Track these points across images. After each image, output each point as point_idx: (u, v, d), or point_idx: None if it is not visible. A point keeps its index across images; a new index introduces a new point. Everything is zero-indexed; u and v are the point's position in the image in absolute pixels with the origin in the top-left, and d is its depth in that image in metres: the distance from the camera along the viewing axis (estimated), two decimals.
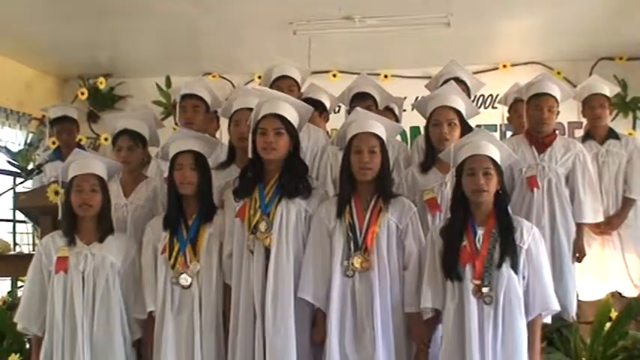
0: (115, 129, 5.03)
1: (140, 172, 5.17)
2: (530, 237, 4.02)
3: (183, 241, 4.47)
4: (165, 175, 4.89)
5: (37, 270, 4.53)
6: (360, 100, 5.53)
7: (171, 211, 4.52)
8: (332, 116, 6.39)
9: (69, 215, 4.51)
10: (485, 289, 3.93)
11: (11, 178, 8.84)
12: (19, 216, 8.48)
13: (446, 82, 5.40)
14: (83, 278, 4.42)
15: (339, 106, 6.96)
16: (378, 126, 4.36)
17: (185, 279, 4.41)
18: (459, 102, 4.73)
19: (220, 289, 4.49)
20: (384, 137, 4.35)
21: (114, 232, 4.60)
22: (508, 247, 3.96)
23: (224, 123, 5.39)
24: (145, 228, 4.64)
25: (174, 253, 4.47)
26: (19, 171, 7.99)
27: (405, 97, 6.65)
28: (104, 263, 4.45)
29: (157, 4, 7.24)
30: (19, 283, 7.30)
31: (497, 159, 4.10)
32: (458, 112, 4.68)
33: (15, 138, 9.12)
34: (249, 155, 4.40)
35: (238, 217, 4.38)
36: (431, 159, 4.78)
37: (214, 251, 4.49)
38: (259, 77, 8.53)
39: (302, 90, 5.73)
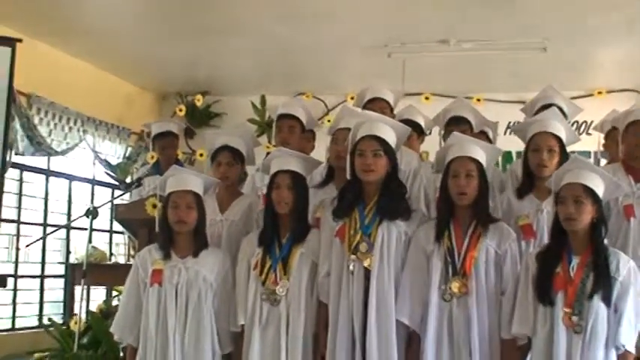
0: (215, 145, 5.04)
1: (236, 189, 5.17)
2: (626, 270, 3.90)
3: (275, 259, 4.45)
4: (263, 191, 4.90)
5: (133, 282, 4.56)
6: (456, 123, 5.45)
7: (267, 228, 4.51)
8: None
9: (165, 229, 4.53)
10: (574, 318, 3.84)
11: (109, 190, 9.12)
12: (116, 227, 8.82)
13: (543, 107, 5.29)
14: (176, 291, 4.43)
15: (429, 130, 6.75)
16: (477, 150, 4.30)
17: (274, 296, 4.39)
18: (561, 129, 4.60)
19: (309, 308, 4.44)
20: (483, 162, 4.28)
21: (208, 247, 4.59)
22: (601, 279, 3.85)
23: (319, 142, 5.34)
24: (242, 242, 4.65)
25: (265, 270, 4.44)
26: (117, 183, 8.21)
27: (498, 122, 6.44)
28: (197, 277, 4.45)
29: (254, 24, 7.30)
30: (114, 293, 7.46)
31: (595, 188, 3.97)
32: (558, 139, 4.56)
33: (114, 152, 9.25)
34: (348, 176, 4.36)
35: (337, 237, 4.35)
36: (528, 185, 4.65)
37: (305, 270, 4.46)
38: (352, 98, 8.46)
39: (395, 112, 5.66)
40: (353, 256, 4.28)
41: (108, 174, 8.59)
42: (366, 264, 4.26)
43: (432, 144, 6.06)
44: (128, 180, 8.44)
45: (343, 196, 4.41)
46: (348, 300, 4.28)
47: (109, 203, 7.28)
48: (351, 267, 4.28)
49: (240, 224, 4.97)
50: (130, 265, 4.79)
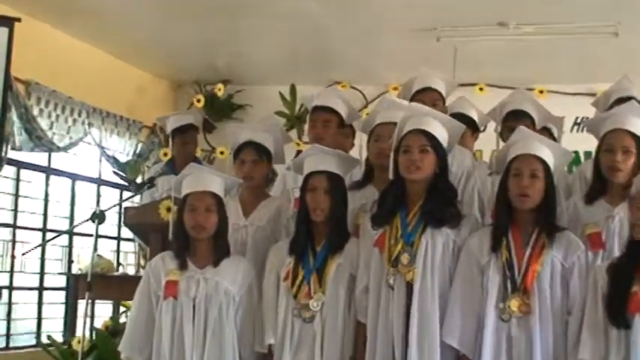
0: (238, 140, 5.07)
1: (263, 190, 5.18)
2: None
3: (309, 269, 4.48)
4: (296, 195, 4.96)
5: (144, 294, 4.59)
6: (516, 118, 5.43)
7: (299, 234, 4.54)
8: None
9: (181, 236, 4.56)
10: None
11: (118, 191, 9.21)
12: (125, 233, 8.87)
13: (618, 100, 5.23)
14: (194, 305, 4.45)
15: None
16: (545, 149, 4.28)
17: (307, 311, 4.42)
18: (639, 126, 4.51)
19: (347, 326, 4.46)
20: (550, 163, 4.26)
21: (230, 256, 4.61)
22: None
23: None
24: (269, 252, 4.68)
25: (297, 282, 4.47)
26: (126, 184, 8.29)
27: (564, 117, 6.39)
28: (218, 289, 4.47)
29: (282, 3, 7.32)
30: (122, 308, 7.54)
31: None
32: (636, 138, 4.48)
33: (123, 148, 9.31)
34: (391, 176, 4.39)
35: (376, 247, 4.36)
36: (598, 189, 4.60)
37: (342, 283, 4.47)
38: (395, 89, 8.48)
39: (447, 104, 5.64)
40: (393, 269, 4.29)
41: (116, 173, 8.62)
42: (408, 278, 4.27)
43: (486, 141, 6.08)
44: (139, 180, 8.43)
45: (384, 200, 4.43)
46: (387, 319, 4.28)
47: (117, 206, 7.34)
48: (390, 281, 4.30)
49: (266, 230, 5.00)
50: (141, 276, 4.82)
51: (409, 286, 4.24)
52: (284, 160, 5.27)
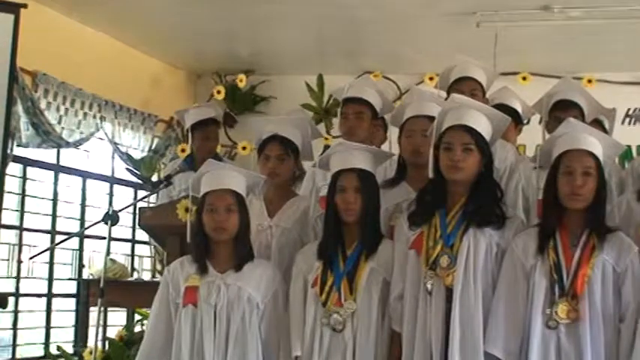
0: (262, 135, 5.08)
1: (289, 189, 5.18)
2: None
3: (339, 274, 4.46)
4: (322, 193, 4.97)
5: (162, 302, 4.62)
6: (563, 109, 5.35)
7: (328, 237, 4.53)
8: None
9: (200, 238, 4.58)
10: None
11: (132, 190, 9.20)
12: (139, 235, 8.93)
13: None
14: (215, 313, 4.46)
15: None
16: (596, 143, 4.26)
17: (337, 320, 4.40)
18: None
19: (380, 336, 4.45)
20: (601, 158, 4.24)
21: (254, 260, 4.61)
22: None
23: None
24: (296, 256, 4.68)
25: (326, 288, 4.46)
26: (141, 182, 8.24)
27: (615, 109, 6.33)
28: (240, 296, 4.48)
29: None
30: (137, 316, 7.57)
31: None
32: None
33: (138, 143, 9.31)
34: (430, 174, 4.40)
35: (413, 249, 4.37)
36: None
37: (375, 289, 4.46)
38: (431, 79, 8.47)
39: (487, 95, 5.66)
40: (431, 272, 4.29)
41: (130, 170, 8.53)
42: (447, 282, 4.27)
43: (530, 135, 6.19)
44: (155, 178, 8.42)
45: (422, 199, 4.44)
46: (425, 327, 4.28)
47: (132, 206, 7.30)
48: (428, 286, 4.29)
49: (293, 232, 5.01)
50: (157, 282, 4.82)
51: (449, 291, 4.24)
52: (312, 157, 5.24)
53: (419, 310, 4.29)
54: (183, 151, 7.30)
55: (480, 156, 4.32)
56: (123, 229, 9.05)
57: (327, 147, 5.16)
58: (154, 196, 7.46)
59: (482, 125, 4.36)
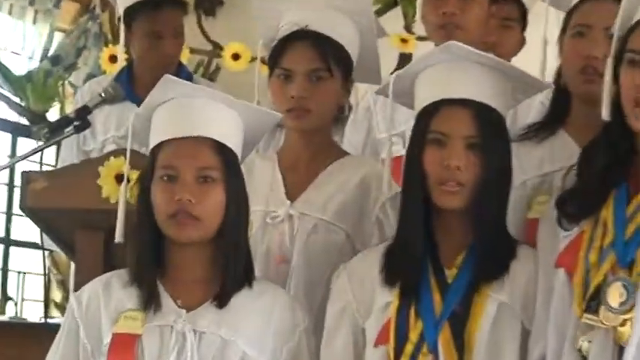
0: (277, 29, 3.66)
1: (330, 141, 3.75)
2: None
3: (432, 317, 3.13)
4: (397, 152, 3.74)
5: (68, 356, 3.31)
6: None
7: (407, 239, 3.26)
8: None
9: (147, 236, 3.26)
10: None
11: (7, 137, 7.68)
12: (19, 231, 7.45)
13: None
14: None
15: None
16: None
17: None
18: None
19: None
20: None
21: (252, 282, 3.27)
22: None
23: None
24: (337, 277, 3.32)
25: (408, 347, 3.13)
26: (26, 122, 7.17)
27: None
28: (225, 356, 3.21)
29: None
30: None
31: None
32: None
33: (21, 44, 7.57)
34: (605, 115, 3.12)
35: (561, 268, 3.15)
36: None
37: (510, 349, 3.18)
38: None
39: None
40: (590, 316, 3.04)
41: (3, 98, 7.04)
42: (619, 336, 3.03)
43: None
44: (54, 113, 7.13)
45: (590, 166, 3.16)
46: None
47: (5, 170, 5.65)
48: (581, 342, 3.07)
49: (336, 228, 3.59)
50: (54, 325, 4.13)
51: (619, 351, 3.03)
52: (378, 76, 3.75)
53: None
54: (112, 59, 5.48)
55: None
56: None
57: (404, 58, 3.94)
58: (52, 150, 6.08)
59: None
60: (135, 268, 3.24)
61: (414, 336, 3.05)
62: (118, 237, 3.30)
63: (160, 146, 3.20)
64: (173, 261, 3.20)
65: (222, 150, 3.21)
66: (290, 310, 3.27)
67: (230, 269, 3.20)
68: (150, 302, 3.17)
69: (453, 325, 3.04)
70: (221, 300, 3.17)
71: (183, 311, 3.13)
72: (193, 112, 3.30)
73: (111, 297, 3.28)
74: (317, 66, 3.52)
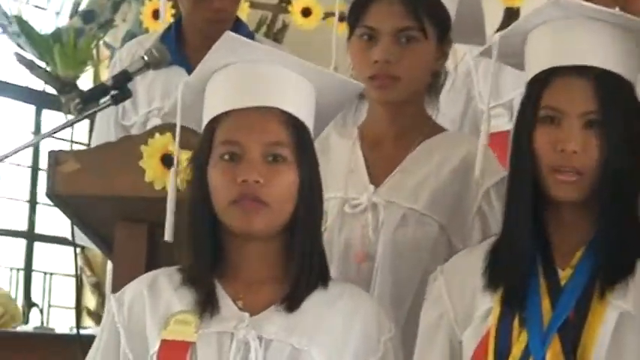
0: None
1: (423, 113, 3.45)
2: None
3: (539, 330, 2.87)
4: (500, 127, 3.65)
5: None
6: None
7: (513, 235, 2.99)
8: None
9: (203, 229, 2.96)
10: None
11: (31, 109, 7.33)
12: (44, 224, 7.16)
13: None
14: None
15: None
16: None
17: None
18: None
19: None
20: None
21: (327, 282, 2.98)
22: None
23: None
24: (434, 279, 3.03)
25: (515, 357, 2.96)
26: (52, 89, 6.68)
27: None
28: None
29: None
30: None
31: None
32: None
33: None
34: None
35: None
36: None
37: None
38: None
39: None
40: None
41: (25, 62, 6.51)
42: None
43: None
44: (86, 80, 6.68)
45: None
46: None
47: (30, 148, 5.58)
48: None
49: (430, 219, 3.32)
50: (89, 336, 3.43)
51: None
52: (483, 37, 3.42)
53: None
54: (156, 15, 4.95)
55: None
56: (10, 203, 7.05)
57: (511, 14, 3.59)
58: (85, 125, 5.76)
59: None
60: (188, 266, 2.93)
61: (517, 351, 2.75)
62: (168, 234, 2.95)
63: (217, 120, 2.87)
64: (234, 257, 2.91)
65: (293, 124, 2.90)
66: (374, 317, 2.97)
67: (304, 266, 2.90)
68: (206, 304, 2.87)
69: (564, 338, 2.73)
70: (291, 302, 2.85)
71: (247, 315, 2.84)
72: (259, 78, 2.97)
73: (158, 298, 3.01)
74: (407, 24, 3.17)
